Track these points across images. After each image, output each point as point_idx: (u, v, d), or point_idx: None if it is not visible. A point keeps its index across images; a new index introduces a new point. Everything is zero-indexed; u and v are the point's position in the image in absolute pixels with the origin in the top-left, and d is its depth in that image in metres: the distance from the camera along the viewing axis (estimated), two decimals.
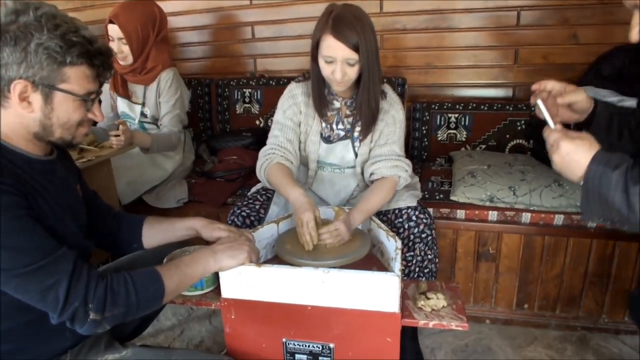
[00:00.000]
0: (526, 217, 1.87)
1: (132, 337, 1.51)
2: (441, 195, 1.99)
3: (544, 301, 1.96)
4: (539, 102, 1.00)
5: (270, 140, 1.71)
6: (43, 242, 0.92)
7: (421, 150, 2.47)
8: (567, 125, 1.13)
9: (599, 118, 1.13)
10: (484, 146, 2.37)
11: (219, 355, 1.26)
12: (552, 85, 1.11)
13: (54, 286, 0.91)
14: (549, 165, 1.17)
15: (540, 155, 2.09)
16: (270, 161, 1.64)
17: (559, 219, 1.84)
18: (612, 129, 1.14)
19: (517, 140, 2.31)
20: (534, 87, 1.12)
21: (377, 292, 1.19)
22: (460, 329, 1.22)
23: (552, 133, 0.96)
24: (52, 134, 1.01)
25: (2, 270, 0.88)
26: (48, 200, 1.01)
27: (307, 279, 1.23)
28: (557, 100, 1.10)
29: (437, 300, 1.27)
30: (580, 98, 1.10)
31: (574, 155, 0.91)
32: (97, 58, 1.00)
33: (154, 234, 1.35)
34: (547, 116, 0.99)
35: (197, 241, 1.39)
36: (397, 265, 1.24)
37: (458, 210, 1.90)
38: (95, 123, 1.32)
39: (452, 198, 1.94)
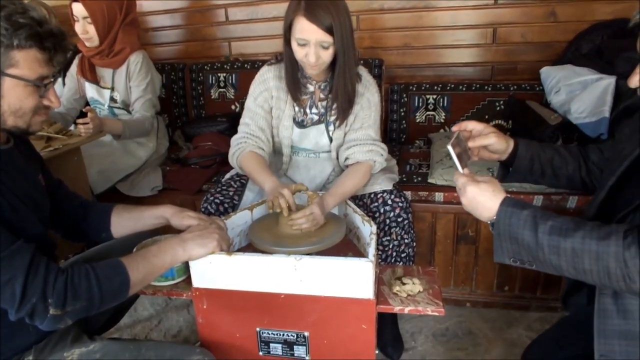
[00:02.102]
0: None
1: (105, 329, 1.47)
2: (419, 178, 1.96)
3: (524, 283, 1.96)
4: (450, 148, 1.02)
5: (241, 127, 1.67)
6: None
7: (399, 132, 2.43)
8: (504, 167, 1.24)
9: (519, 160, 1.19)
10: None
11: (190, 346, 1.22)
12: (472, 125, 1.16)
13: (9, 282, 0.87)
14: None
15: (520, 135, 2.06)
16: (243, 150, 1.60)
17: (538, 200, 1.82)
18: (533, 169, 1.20)
19: (496, 121, 2.29)
20: (454, 128, 1.16)
21: (351, 279, 1.16)
22: (436, 314, 1.20)
23: (460, 177, 1.02)
24: (5, 122, 0.95)
25: None
26: (3, 191, 0.95)
27: (279, 267, 1.19)
28: (469, 143, 1.14)
29: (413, 286, 1.24)
30: (491, 142, 1.14)
31: (479, 198, 0.97)
32: (48, 40, 0.93)
33: (123, 222, 1.30)
34: (456, 161, 1.03)
35: (170, 230, 1.34)
36: (371, 250, 1.21)
37: (436, 193, 1.87)
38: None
39: (429, 181, 1.91)
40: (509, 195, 0.98)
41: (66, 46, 1.00)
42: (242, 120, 1.68)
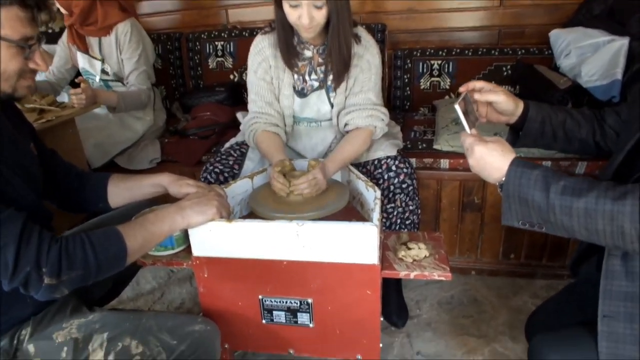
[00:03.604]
0: None
1: (106, 301, 1.45)
2: (424, 145, 1.91)
3: (530, 251, 1.93)
4: (457, 107, 0.98)
5: (250, 106, 1.63)
6: None
7: (403, 100, 2.37)
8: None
9: (530, 122, 1.14)
10: None
11: (192, 315, 1.19)
12: (480, 85, 1.11)
13: (1, 251, 0.83)
14: None
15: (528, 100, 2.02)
16: (256, 131, 1.57)
17: (546, 165, 1.77)
18: (544, 132, 1.15)
19: (504, 86, 2.20)
20: (461, 89, 1.10)
21: (355, 244, 1.13)
22: (443, 279, 1.17)
23: (467, 137, 0.99)
24: None
25: None
26: None
27: (281, 233, 1.16)
28: (474, 96, 1.10)
29: (419, 251, 1.21)
30: (500, 99, 1.10)
31: (487, 158, 0.94)
32: None
33: (120, 192, 1.27)
34: (463, 121, 0.99)
35: (168, 200, 1.31)
36: (375, 215, 1.17)
37: (442, 160, 1.82)
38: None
39: (435, 147, 1.86)
40: (518, 156, 0.94)
41: (50, 4, 0.95)
42: (249, 98, 1.64)
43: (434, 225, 1.95)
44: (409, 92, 2.36)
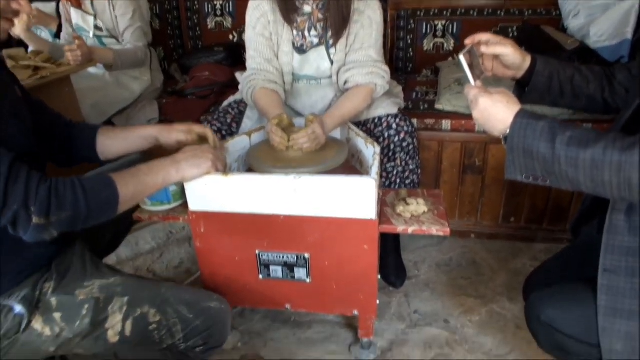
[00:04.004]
0: None
1: (106, 253, 1.46)
2: (426, 105, 1.88)
3: (531, 214, 1.91)
4: (462, 58, 0.96)
5: (248, 63, 1.60)
6: None
7: (406, 61, 2.31)
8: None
9: (537, 77, 1.10)
10: None
11: (207, 292, 1.22)
12: (487, 37, 1.06)
13: None
14: None
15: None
16: (254, 88, 1.54)
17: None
18: (552, 87, 1.11)
19: None
20: (467, 41, 1.06)
21: (353, 198, 1.11)
22: (441, 234, 1.16)
23: (472, 89, 0.96)
24: None
25: None
26: None
27: (277, 187, 1.15)
28: (481, 48, 1.06)
29: (418, 206, 1.20)
30: (507, 52, 1.05)
31: (492, 109, 0.91)
32: None
33: (110, 142, 1.24)
34: (468, 73, 0.97)
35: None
36: (374, 169, 1.15)
37: (443, 121, 1.78)
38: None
39: (437, 107, 1.83)
40: (524, 107, 0.91)
41: None
42: (247, 54, 1.60)
43: (434, 187, 1.93)
44: (411, 54, 2.30)
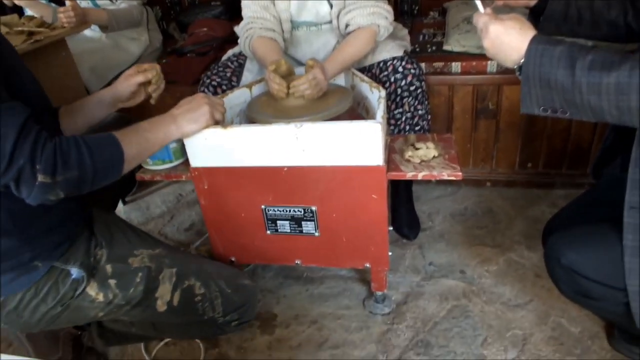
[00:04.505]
0: None
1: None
2: (433, 48, 1.78)
3: (549, 158, 1.83)
4: None
5: (244, 12, 1.53)
6: None
7: (411, 3, 2.19)
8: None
9: (553, 3, 1.01)
10: None
11: (241, 271, 1.27)
12: None
13: (0, 138, 0.79)
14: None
15: None
16: (251, 37, 1.48)
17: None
18: (569, 14, 1.02)
19: None
20: None
21: (358, 144, 1.05)
22: (453, 178, 1.10)
23: (481, 17, 0.87)
24: None
25: None
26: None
27: (279, 137, 1.09)
28: None
29: (427, 150, 1.14)
30: None
31: (504, 37, 0.83)
32: None
33: (71, 121, 1.15)
34: (477, 0, 0.90)
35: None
36: (379, 112, 1.09)
37: (453, 63, 1.69)
38: None
39: (445, 48, 1.73)
40: (538, 33, 0.82)
41: None
42: (242, 2, 1.53)
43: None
44: None
